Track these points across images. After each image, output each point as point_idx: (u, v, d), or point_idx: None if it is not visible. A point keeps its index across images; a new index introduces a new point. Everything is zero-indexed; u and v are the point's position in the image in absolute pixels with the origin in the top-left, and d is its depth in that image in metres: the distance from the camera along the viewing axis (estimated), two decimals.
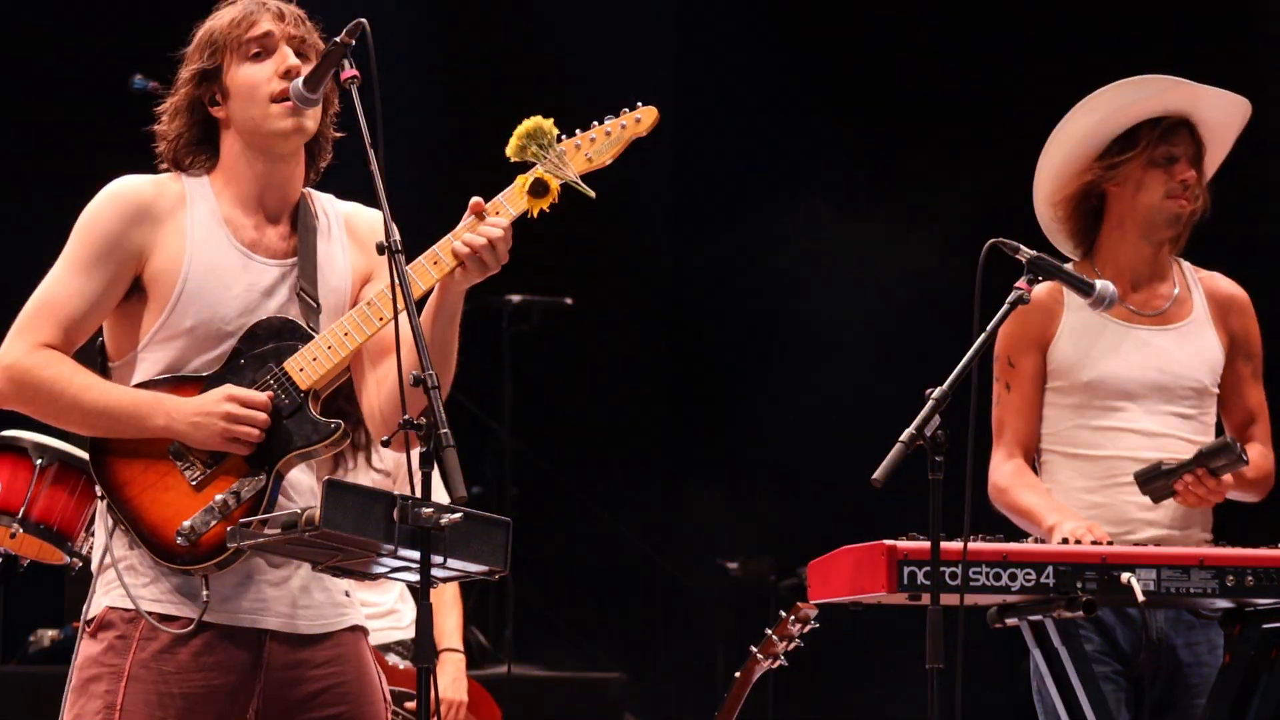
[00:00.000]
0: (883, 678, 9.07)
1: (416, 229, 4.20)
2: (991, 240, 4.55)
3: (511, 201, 4.17)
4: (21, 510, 5.05)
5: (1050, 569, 4.68)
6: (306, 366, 4.16)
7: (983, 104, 9.34)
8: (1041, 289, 5.12)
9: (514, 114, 4.24)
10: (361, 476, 6.04)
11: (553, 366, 10.08)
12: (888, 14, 9.73)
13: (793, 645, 6.10)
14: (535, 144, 4.18)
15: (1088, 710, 4.84)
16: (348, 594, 4.29)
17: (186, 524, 4.10)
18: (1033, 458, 5.35)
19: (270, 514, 4.06)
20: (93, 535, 4.49)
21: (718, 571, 9.53)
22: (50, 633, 8.63)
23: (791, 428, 9.79)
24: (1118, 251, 5.36)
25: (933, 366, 4.56)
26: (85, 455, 4.23)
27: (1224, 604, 4.89)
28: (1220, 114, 5.34)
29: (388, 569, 4.07)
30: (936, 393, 4.34)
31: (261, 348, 4.17)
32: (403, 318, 3.95)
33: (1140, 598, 4.69)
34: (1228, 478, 5.14)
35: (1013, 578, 4.67)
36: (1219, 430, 5.36)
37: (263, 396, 4.13)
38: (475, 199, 4.17)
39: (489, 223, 4.13)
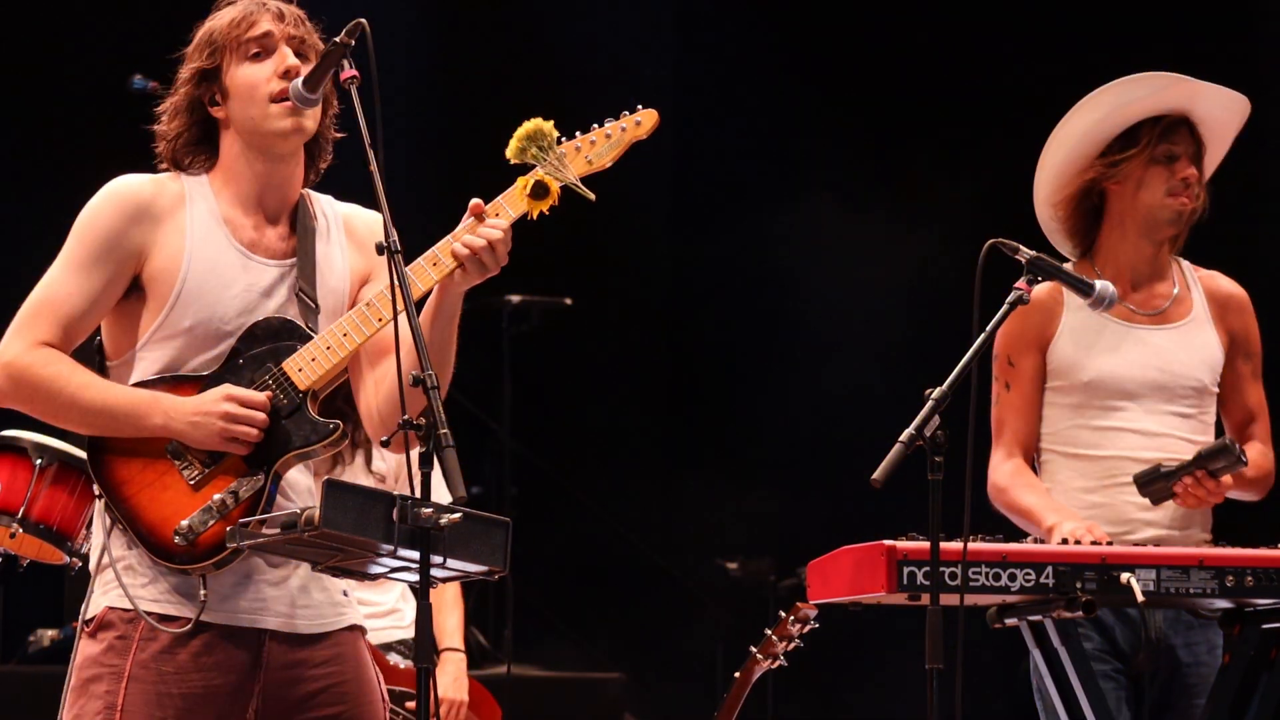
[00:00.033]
0: (883, 678, 9.07)
1: (416, 230, 4.20)
2: (991, 241, 4.55)
3: (511, 203, 4.17)
4: (21, 510, 5.04)
5: (1050, 569, 4.68)
6: (305, 367, 4.16)
7: (982, 104, 9.34)
8: (1041, 289, 5.12)
9: (514, 115, 4.24)
10: (360, 476, 6.05)
11: (552, 366, 10.08)
12: (888, 14, 9.73)
13: (792, 645, 6.10)
14: (535, 146, 4.18)
15: (1087, 710, 4.84)
16: (346, 593, 4.29)
17: (184, 523, 4.10)
18: (1032, 457, 5.35)
19: (269, 514, 4.06)
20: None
21: (718, 571, 9.54)
22: (50, 632, 8.64)
23: (791, 428, 9.79)
24: (1118, 251, 5.36)
25: (933, 366, 4.56)
26: (85, 455, 4.22)
27: (1223, 604, 4.89)
28: (1220, 111, 5.34)
29: (387, 569, 4.07)
30: (936, 393, 4.34)
31: (260, 348, 4.17)
32: (402, 318, 3.95)
33: (1140, 598, 4.69)
34: (1227, 479, 5.14)
35: (1012, 578, 4.67)
36: (1219, 429, 5.36)
37: (261, 396, 4.13)
38: (475, 200, 4.17)
39: (489, 224, 4.14)
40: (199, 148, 4.27)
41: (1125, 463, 5.22)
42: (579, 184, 4.20)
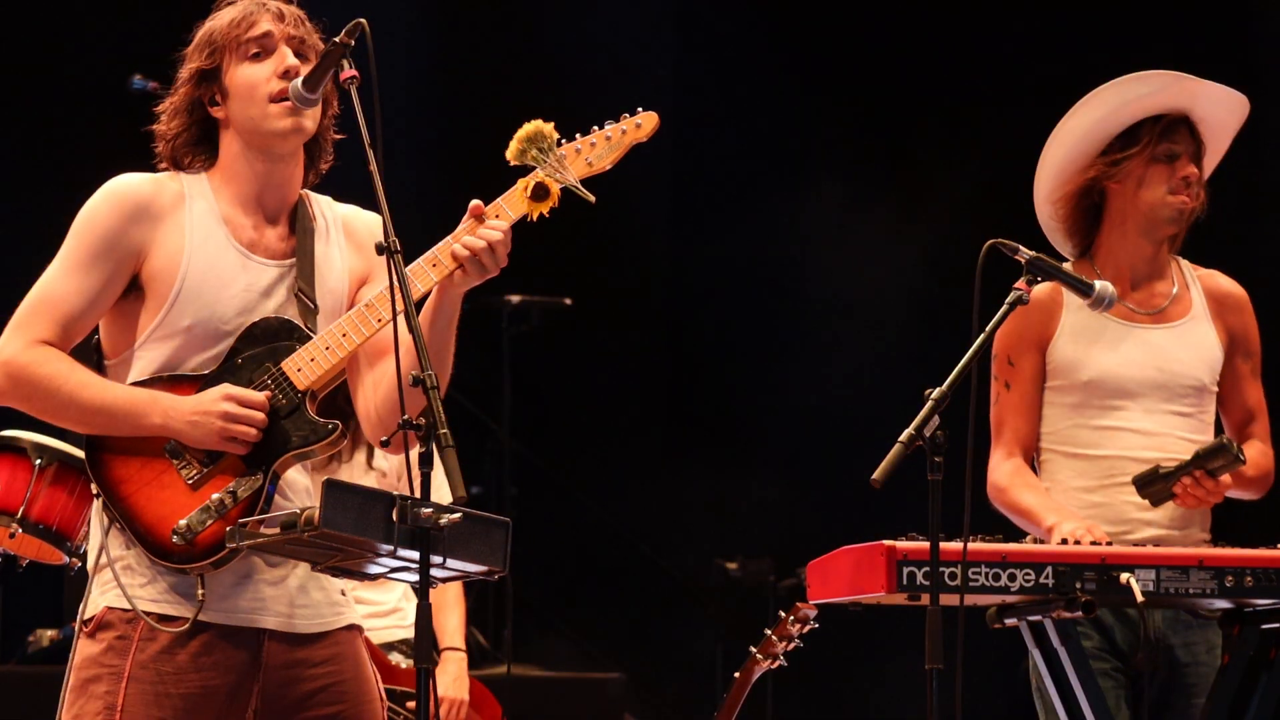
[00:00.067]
0: (882, 678, 9.07)
1: (416, 231, 4.20)
2: (990, 241, 4.55)
3: (511, 205, 4.17)
4: (21, 510, 5.04)
5: (1049, 569, 4.68)
6: (304, 367, 4.16)
7: (982, 103, 9.34)
8: (1041, 289, 5.11)
9: (514, 116, 4.24)
10: (359, 474, 6.05)
11: (552, 367, 10.08)
12: (887, 15, 9.73)
13: (792, 645, 6.10)
14: (535, 148, 4.19)
15: (1087, 711, 4.84)
16: (343, 593, 4.29)
17: (183, 522, 4.10)
18: (1032, 457, 5.35)
19: (268, 514, 4.06)
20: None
21: (718, 571, 9.53)
22: (49, 633, 8.64)
23: (790, 428, 9.79)
24: (1117, 250, 5.36)
25: (933, 367, 4.56)
26: (83, 454, 4.22)
27: (1223, 604, 4.89)
28: (1220, 111, 5.34)
29: (387, 569, 4.07)
30: (935, 393, 4.34)
31: (259, 347, 4.17)
32: (401, 319, 3.95)
33: (1139, 598, 4.69)
34: (1226, 478, 5.14)
35: (1012, 578, 4.67)
36: (1218, 429, 5.36)
37: (260, 396, 4.13)
38: (475, 202, 4.17)
39: (489, 225, 4.14)
40: (198, 148, 4.28)
41: (1125, 462, 5.22)
42: (579, 186, 4.20)
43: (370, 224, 4.33)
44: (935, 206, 9.22)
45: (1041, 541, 5.02)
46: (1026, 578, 4.67)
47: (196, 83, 4.25)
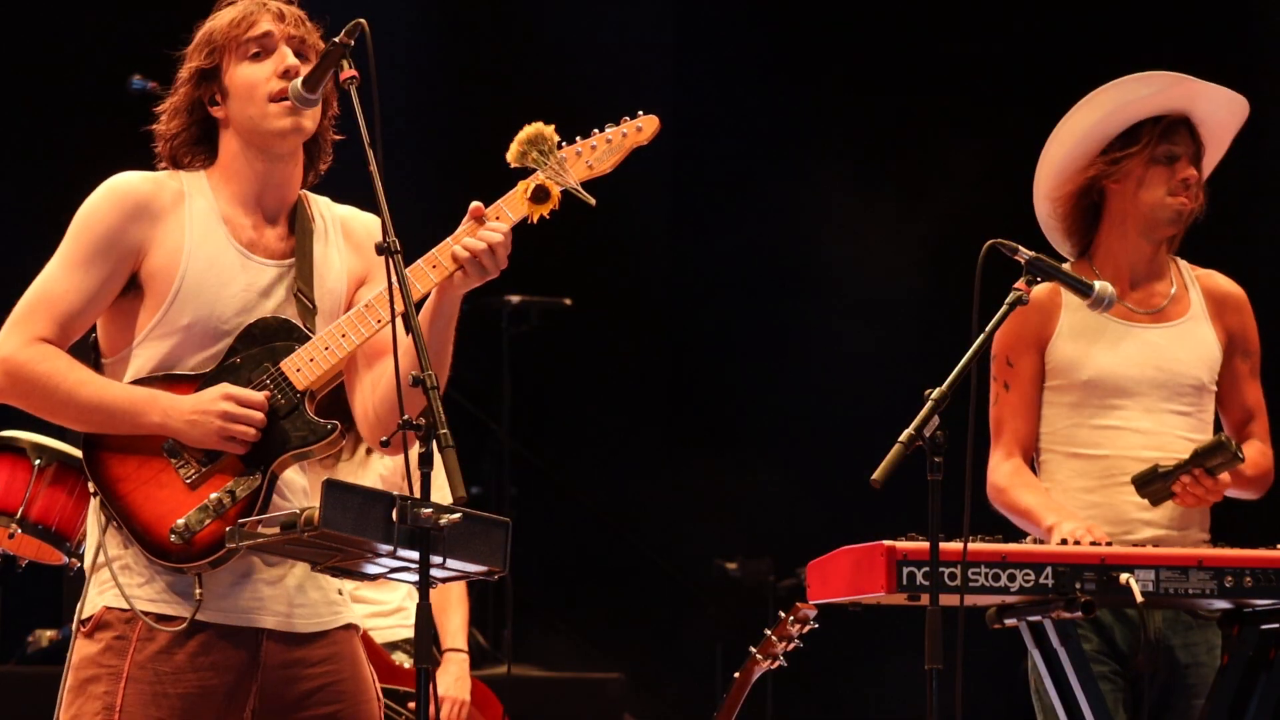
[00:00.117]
0: (882, 678, 9.08)
1: (415, 233, 4.20)
2: (990, 241, 4.55)
3: (512, 206, 4.18)
4: (20, 510, 5.04)
5: (1049, 570, 4.68)
6: (303, 367, 4.16)
7: (983, 102, 9.34)
8: (1040, 289, 5.12)
9: (514, 117, 4.24)
10: (360, 472, 6.05)
11: (552, 366, 10.08)
12: (887, 16, 9.73)
13: (792, 646, 6.10)
14: (536, 150, 4.19)
15: (1086, 711, 4.84)
16: (340, 592, 4.29)
17: (181, 522, 4.10)
18: (1031, 458, 5.35)
19: (268, 514, 4.06)
20: None
21: (718, 571, 9.54)
22: (48, 633, 8.63)
23: (790, 427, 9.79)
24: (1116, 250, 5.36)
25: (933, 368, 4.56)
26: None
27: (1222, 605, 4.89)
28: (1220, 113, 5.35)
29: (387, 569, 4.07)
30: (935, 393, 4.34)
31: (258, 347, 4.17)
32: (400, 320, 3.95)
33: (1139, 598, 4.69)
34: (1225, 476, 5.14)
35: (1011, 578, 4.67)
36: (1217, 428, 5.37)
37: (260, 396, 4.13)
38: (475, 203, 4.17)
39: (489, 227, 4.14)
40: (198, 147, 4.28)
41: (1124, 461, 5.22)
42: (579, 188, 4.20)
43: (368, 225, 4.33)
44: (938, 206, 9.22)
45: (1041, 542, 5.02)
46: (1026, 578, 4.67)
47: (196, 82, 4.25)
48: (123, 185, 4.20)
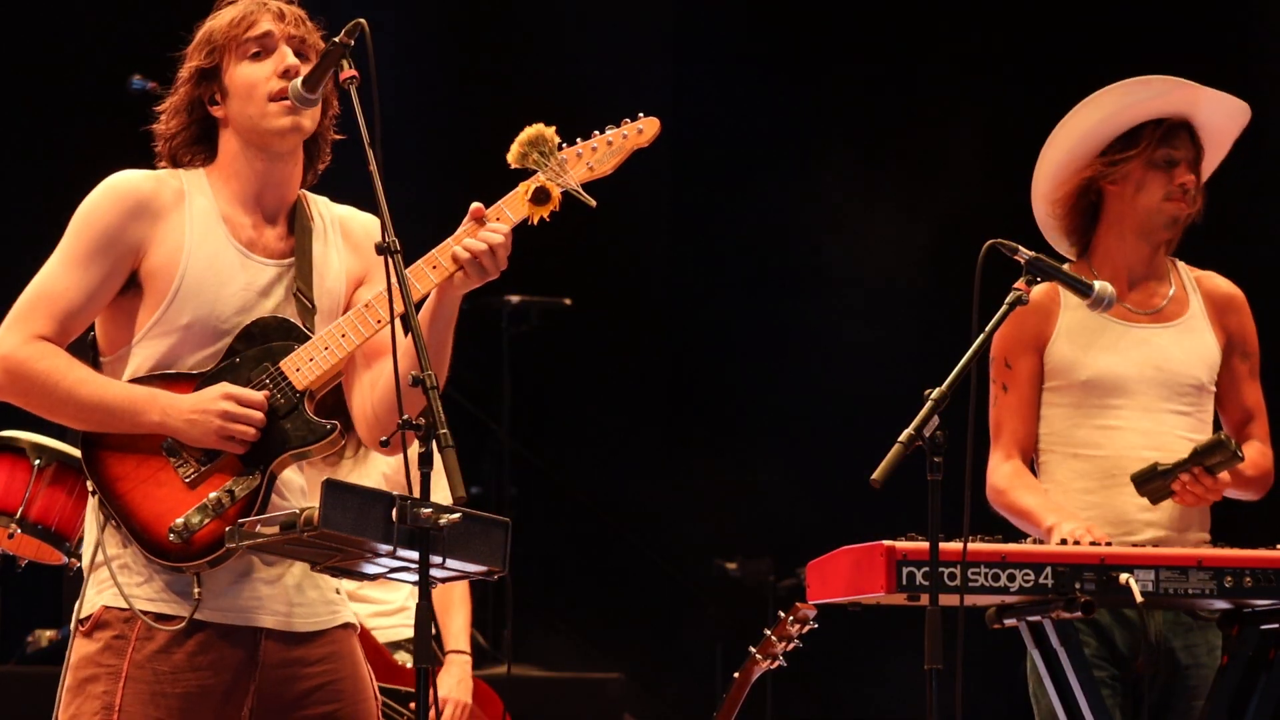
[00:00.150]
0: (882, 678, 9.07)
1: (415, 233, 4.20)
2: (990, 241, 4.56)
3: (512, 207, 4.18)
4: (19, 510, 5.04)
5: (1049, 570, 4.68)
6: (303, 367, 4.16)
7: (983, 102, 9.34)
8: (1038, 289, 5.12)
9: (515, 118, 4.24)
10: (367, 475, 6.04)
11: (552, 366, 10.07)
12: (888, 16, 9.73)
13: (791, 646, 6.10)
14: (537, 151, 4.19)
15: (1086, 711, 4.84)
16: (338, 591, 4.29)
17: (179, 521, 4.10)
18: (1030, 459, 5.36)
19: (267, 514, 4.06)
20: None
21: (718, 571, 9.53)
22: (48, 633, 8.63)
23: (790, 427, 9.79)
24: (1114, 251, 5.37)
25: (933, 368, 4.56)
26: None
27: (1222, 605, 4.89)
28: (1221, 118, 5.35)
29: (386, 569, 4.07)
30: (935, 393, 4.34)
31: (257, 347, 4.17)
32: (399, 320, 3.95)
33: (1139, 599, 4.69)
34: (1225, 475, 5.14)
35: (1011, 578, 4.67)
36: (1217, 428, 5.36)
37: (259, 396, 4.13)
38: (476, 204, 4.17)
39: (490, 228, 4.14)
40: (197, 146, 4.28)
41: (1124, 461, 5.22)
42: (580, 190, 4.20)
43: (367, 225, 4.33)
44: (936, 207, 9.22)
45: (1041, 542, 5.02)
46: (1026, 578, 4.67)
47: (196, 81, 4.25)
48: (123, 183, 4.20)
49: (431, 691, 3.87)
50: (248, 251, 4.22)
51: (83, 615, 4.16)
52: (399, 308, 4.00)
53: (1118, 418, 5.28)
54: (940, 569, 4.47)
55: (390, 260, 3.97)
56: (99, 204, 4.18)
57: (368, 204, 4.15)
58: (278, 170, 4.25)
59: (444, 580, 4.10)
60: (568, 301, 9.74)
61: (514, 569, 4.14)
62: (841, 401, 9.36)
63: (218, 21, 4.26)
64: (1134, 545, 4.98)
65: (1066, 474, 5.30)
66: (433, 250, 4.15)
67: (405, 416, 3.88)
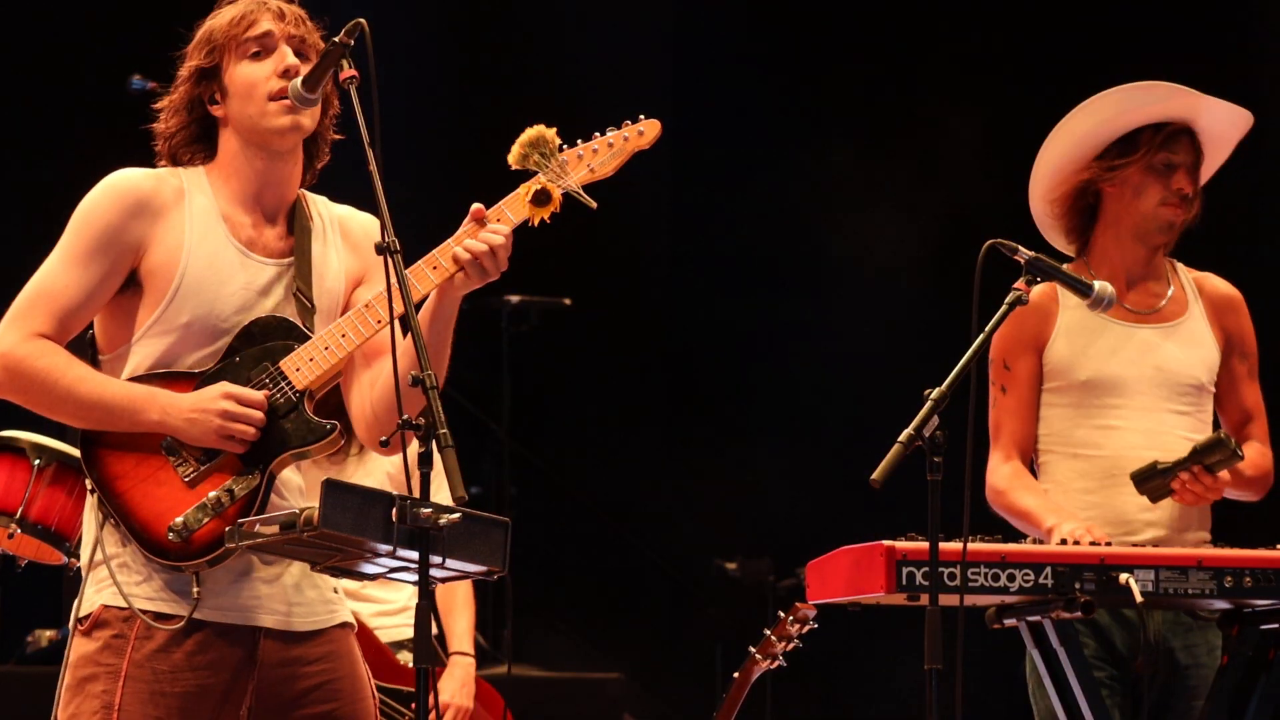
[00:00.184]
0: (882, 678, 9.07)
1: (415, 233, 4.20)
2: (990, 241, 4.56)
3: (513, 209, 4.18)
4: (19, 510, 5.04)
5: (1049, 570, 4.68)
6: (303, 367, 4.16)
7: (984, 102, 9.34)
8: (1036, 290, 5.13)
9: (515, 119, 4.24)
10: (369, 474, 6.04)
11: (551, 367, 10.07)
12: (887, 15, 9.73)
13: (791, 646, 6.10)
14: (537, 153, 4.19)
15: (1085, 711, 4.84)
16: (336, 590, 4.29)
17: (179, 520, 4.10)
18: (1030, 460, 5.36)
19: (266, 513, 4.06)
20: None
21: (717, 571, 9.53)
22: (48, 633, 8.63)
23: (790, 427, 9.79)
24: (1112, 252, 5.37)
25: (933, 367, 4.56)
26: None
27: (1222, 605, 4.89)
28: (1222, 125, 5.35)
29: (386, 569, 4.07)
30: (935, 393, 4.34)
31: (257, 346, 4.17)
32: (399, 320, 3.95)
33: (1138, 598, 4.69)
34: (1224, 474, 5.14)
35: (1011, 578, 4.67)
36: (1216, 427, 5.36)
37: (259, 395, 4.13)
38: (476, 205, 4.17)
39: (490, 229, 4.14)
40: (197, 145, 4.28)
41: (1124, 461, 5.22)
42: (581, 191, 4.20)
43: (366, 225, 4.33)
44: (936, 207, 9.22)
45: (1041, 542, 5.02)
46: (1026, 578, 4.67)
47: (196, 81, 4.25)
48: (123, 181, 4.20)
49: (432, 693, 3.86)
50: (247, 251, 4.22)
51: (82, 614, 4.16)
52: (399, 308, 4.00)
53: (1117, 418, 5.28)
54: (940, 569, 4.47)
55: (390, 260, 3.97)
56: (99, 202, 4.18)
57: (368, 204, 4.14)
58: (277, 169, 4.25)
59: (444, 580, 4.10)
60: (567, 301, 9.74)
61: (514, 569, 4.14)
62: (841, 401, 9.36)
63: (218, 21, 4.26)
64: (1134, 545, 4.98)
65: (1066, 474, 5.30)
66: (433, 251, 4.15)
67: (405, 416, 3.88)
